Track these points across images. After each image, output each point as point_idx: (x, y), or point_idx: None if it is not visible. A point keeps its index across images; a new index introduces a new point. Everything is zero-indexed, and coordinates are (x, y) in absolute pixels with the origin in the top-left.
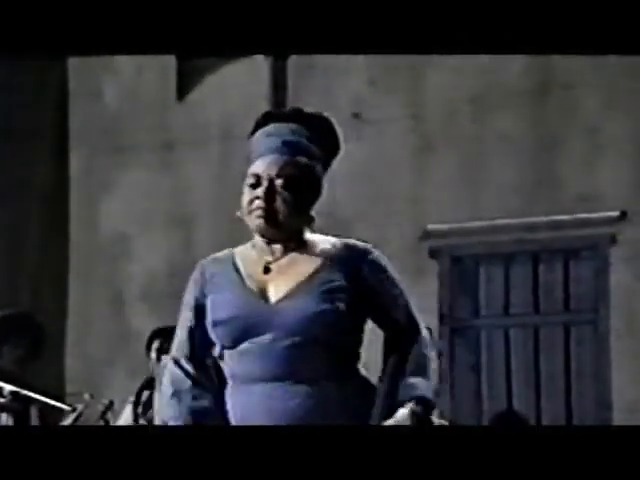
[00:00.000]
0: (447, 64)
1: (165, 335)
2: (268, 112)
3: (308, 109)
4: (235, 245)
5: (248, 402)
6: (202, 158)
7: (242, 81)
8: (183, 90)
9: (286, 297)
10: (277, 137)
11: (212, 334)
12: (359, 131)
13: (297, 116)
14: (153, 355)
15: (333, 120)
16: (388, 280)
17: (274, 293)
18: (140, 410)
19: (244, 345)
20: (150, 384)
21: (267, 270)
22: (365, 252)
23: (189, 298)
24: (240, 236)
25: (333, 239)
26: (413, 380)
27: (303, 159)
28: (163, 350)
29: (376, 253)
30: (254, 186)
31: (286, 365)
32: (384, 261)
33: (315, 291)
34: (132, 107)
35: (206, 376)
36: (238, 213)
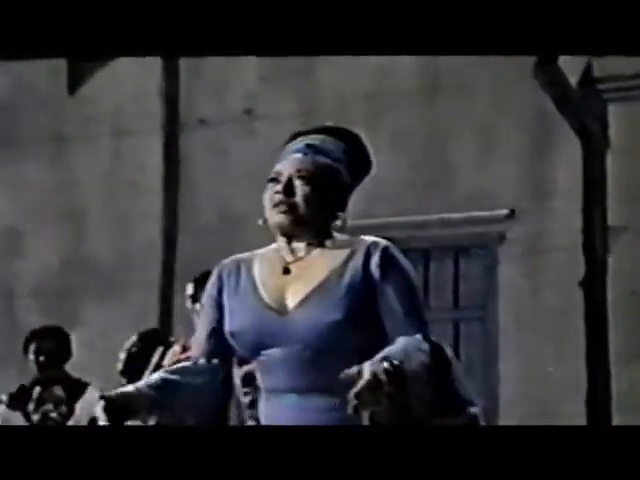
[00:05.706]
0: (338, 61)
1: (41, 337)
2: (297, 132)
3: (333, 124)
4: (127, 239)
5: (278, 413)
6: (93, 153)
7: (134, 76)
8: (74, 84)
9: (299, 306)
10: (301, 141)
11: (231, 342)
12: (251, 127)
13: (326, 131)
14: (31, 357)
15: (361, 136)
16: (396, 273)
17: (290, 300)
18: (32, 407)
19: (262, 357)
20: (36, 384)
21: (286, 271)
22: (372, 244)
23: (208, 300)
24: (132, 232)
25: (357, 238)
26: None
27: (324, 159)
28: (41, 352)
29: (384, 244)
30: (274, 182)
31: (304, 376)
32: (395, 252)
33: (326, 298)
34: (22, 101)
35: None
36: (260, 222)
